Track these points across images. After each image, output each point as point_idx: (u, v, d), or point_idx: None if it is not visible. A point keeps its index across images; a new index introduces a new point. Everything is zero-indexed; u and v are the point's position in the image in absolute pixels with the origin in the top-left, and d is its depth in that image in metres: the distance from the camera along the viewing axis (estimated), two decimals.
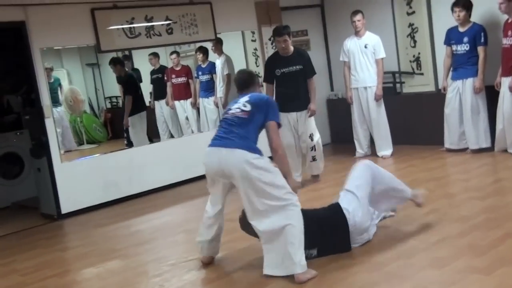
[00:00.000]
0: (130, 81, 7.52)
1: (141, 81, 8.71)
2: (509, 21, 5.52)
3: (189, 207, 5.58)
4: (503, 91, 5.59)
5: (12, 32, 5.76)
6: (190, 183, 6.43)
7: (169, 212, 5.50)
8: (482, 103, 5.88)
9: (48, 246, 4.78)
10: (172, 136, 8.25)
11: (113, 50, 6.42)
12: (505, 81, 5.56)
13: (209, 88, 7.67)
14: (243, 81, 3.74)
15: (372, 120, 6.43)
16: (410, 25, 6.73)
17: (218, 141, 3.42)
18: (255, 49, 7.42)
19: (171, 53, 7.87)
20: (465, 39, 5.84)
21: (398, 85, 7.04)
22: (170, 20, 6.29)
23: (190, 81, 7.95)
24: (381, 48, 6.31)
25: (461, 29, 5.90)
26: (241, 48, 7.46)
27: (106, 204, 5.86)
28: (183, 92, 8.00)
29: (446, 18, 6.15)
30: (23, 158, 6.70)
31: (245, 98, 3.54)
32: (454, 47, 5.98)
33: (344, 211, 3.53)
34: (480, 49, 5.75)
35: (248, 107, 3.44)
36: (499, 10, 5.58)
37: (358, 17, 6.27)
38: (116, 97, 9.79)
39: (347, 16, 6.87)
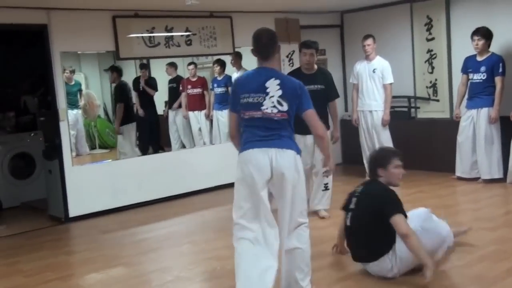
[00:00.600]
0: (123, 89, 7.53)
1: (156, 89, 8.79)
2: None
3: (195, 218, 5.58)
4: None
5: (33, 34, 5.85)
6: (199, 194, 6.44)
7: (175, 222, 5.49)
8: (496, 134, 5.84)
9: (53, 249, 4.79)
10: (183, 146, 8.28)
11: (131, 58, 6.50)
12: None
13: (223, 101, 7.69)
14: (267, 46, 3.09)
15: (375, 144, 6.41)
16: (429, 51, 6.73)
17: (263, 142, 3.00)
18: None
19: (189, 64, 7.93)
20: (483, 68, 5.83)
21: (413, 110, 7.03)
22: (190, 31, 6.35)
23: (205, 92, 7.99)
24: (390, 73, 6.31)
25: (479, 58, 5.89)
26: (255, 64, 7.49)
27: (113, 210, 5.87)
28: (198, 103, 8.04)
29: (465, 46, 6.15)
30: (35, 159, 6.75)
31: (276, 86, 3.01)
32: (470, 76, 5.96)
33: None
34: (498, 79, 5.74)
35: (285, 106, 3.01)
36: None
37: (369, 41, 6.30)
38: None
39: None
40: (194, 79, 7.99)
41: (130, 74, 9.31)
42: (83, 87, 9.51)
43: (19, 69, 7.60)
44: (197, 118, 8.11)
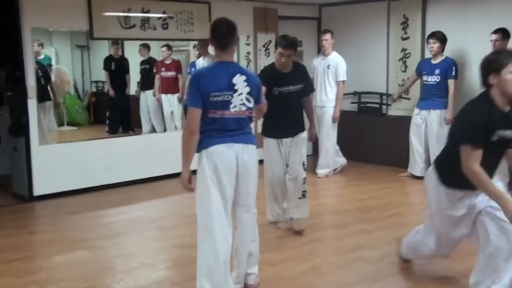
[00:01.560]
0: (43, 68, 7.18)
1: (128, 71, 8.68)
2: None
3: (164, 204, 5.56)
4: None
5: (2, 7, 5.66)
6: (168, 179, 6.39)
7: (143, 207, 5.46)
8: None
9: (15, 228, 4.71)
10: (154, 129, 8.21)
11: (105, 38, 6.36)
12: None
13: None
14: (226, 36, 3.00)
15: (320, 139, 6.53)
16: (403, 49, 6.81)
17: (230, 137, 3.01)
18: (248, 53, 7.43)
19: (162, 46, 7.82)
20: (437, 71, 6.03)
21: (384, 107, 7.12)
22: (166, 14, 6.25)
23: (179, 76, 7.91)
24: (343, 71, 6.42)
25: (433, 61, 6.10)
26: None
27: (80, 191, 5.79)
28: (171, 86, 7.96)
29: None
30: (0, 134, 6.58)
31: (243, 83, 3.01)
32: (424, 77, 6.18)
33: None
34: (451, 82, 5.95)
35: (251, 103, 3.08)
36: (492, 47, 5.67)
37: (327, 36, 6.36)
38: (102, 81, 9.72)
39: (343, 32, 6.93)
40: (168, 62, 7.90)
41: (102, 52, 9.18)
42: (53, 62, 9.32)
43: None
44: (170, 101, 8.04)
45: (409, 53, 6.78)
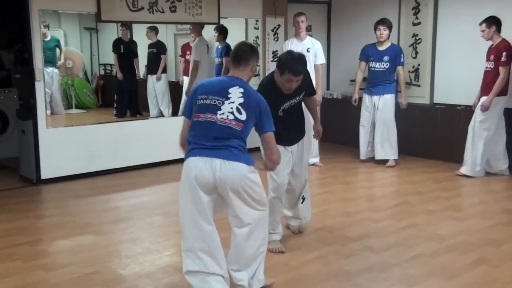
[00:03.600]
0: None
1: (136, 54, 8.63)
2: (492, 46, 5.60)
3: (170, 189, 5.54)
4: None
5: None
6: (175, 164, 6.37)
7: (149, 192, 5.47)
8: (394, 118, 6.36)
9: (23, 211, 4.73)
10: (161, 113, 8.19)
11: (113, 21, 6.31)
12: (481, 100, 5.65)
13: (218, 72, 7.50)
14: (244, 52, 2.98)
15: (309, 126, 6.35)
16: (414, 35, 6.71)
17: (208, 151, 2.82)
18: (257, 37, 7.36)
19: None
20: (386, 58, 6.22)
21: None
22: None
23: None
24: (322, 53, 6.30)
25: (380, 48, 6.25)
26: (242, 34, 7.39)
27: (87, 175, 5.81)
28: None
29: (451, 33, 6.15)
30: (8, 117, 6.60)
31: (239, 93, 2.86)
32: (372, 64, 6.30)
33: None
34: (401, 69, 6.27)
35: (243, 116, 2.83)
36: (482, 37, 5.60)
37: (303, 18, 6.17)
38: (111, 64, 9.70)
39: (353, 17, 6.83)
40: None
41: (111, 34, 9.14)
42: (62, 44, 9.29)
43: None
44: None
45: (420, 39, 6.67)
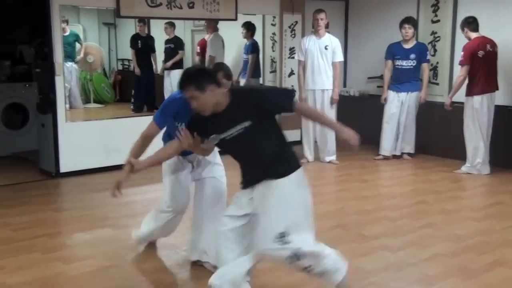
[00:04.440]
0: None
1: (154, 49, 8.68)
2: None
3: None
4: None
5: None
6: None
7: None
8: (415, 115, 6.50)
9: (42, 204, 4.80)
10: None
11: (132, 16, 6.36)
12: None
13: (245, 68, 7.51)
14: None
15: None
16: (433, 33, 6.65)
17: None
18: (273, 34, 7.36)
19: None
20: (412, 56, 6.31)
21: None
22: None
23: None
24: (340, 51, 6.29)
25: (405, 46, 6.34)
26: (259, 30, 7.40)
27: (105, 169, 5.84)
28: None
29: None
30: (28, 110, 6.69)
31: None
32: (398, 62, 6.36)
33: None
34: (426, 66, 6.37)
35: None
36: None
37: (322, 15, 6.15)
38: (128, 60, 9.77)
39: (371, 14, 6.79)
40: None
41: (129, 30, 9.21)
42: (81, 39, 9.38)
43: (16, 18, 7.44)
44: None
45: (438, 36, 6.61)
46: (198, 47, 8.19)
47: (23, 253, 3.66)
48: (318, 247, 2.66)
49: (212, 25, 7.12)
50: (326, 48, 6.17)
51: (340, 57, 6.27)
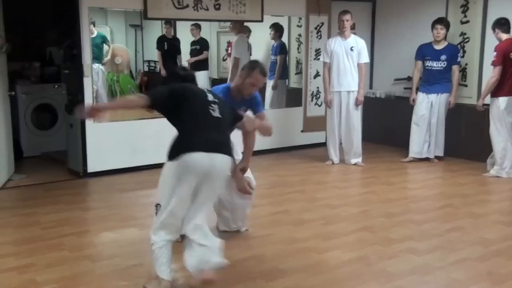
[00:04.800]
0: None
1: (180, 51, 8.74)
2: None
3: None
4: None
5: None
6: None
7: None
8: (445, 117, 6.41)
9: (70, 203, 4.88)
10: None
11: (159, 18, 6.42)
12: None
13: (271, 70, 7.52)
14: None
15: (350, 125, 6.26)
16: (462, 34, 6.54)
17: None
18: (299, 35, 7.35)
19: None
20: (443, 57, 6.22)
21: None
22: None
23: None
24: (366, 52, 6.22)
25: (436, 47, 6.26)
26: (285, 32, 7.39)
27: (132, 169, 5.93)
28: None
29: None
30: (57, 111, 6.82)
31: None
32: (429, 63, 6.28)
33: None
34: (456, 68, 6.27)
35: None
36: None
37: (348, 16, 6.10)
38: (155, 61, 9.86)
39: (398, 15, 6.73)
40: None
41: (155, 31, 9.29)
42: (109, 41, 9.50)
43: (46, 20, 7.60)
44: None
45: (468, 37, 6.50)
46: (230, 48, 8.22)
47: (52, 251, 3.72)
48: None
49: (237, 26, 7.14)
50: (351, 50, 6.14)
51: (366, 59, 6.23)
